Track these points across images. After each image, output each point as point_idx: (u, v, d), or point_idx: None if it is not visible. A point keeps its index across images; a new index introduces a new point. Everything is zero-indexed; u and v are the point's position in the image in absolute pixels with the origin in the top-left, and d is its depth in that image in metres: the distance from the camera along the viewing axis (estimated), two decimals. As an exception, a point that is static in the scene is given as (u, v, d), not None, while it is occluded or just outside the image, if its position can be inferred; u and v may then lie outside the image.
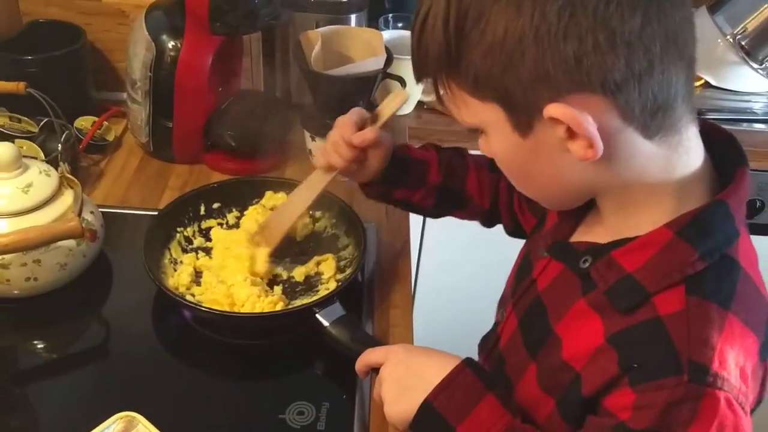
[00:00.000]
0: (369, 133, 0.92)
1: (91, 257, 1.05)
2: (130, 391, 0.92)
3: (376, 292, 1.08)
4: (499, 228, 1.04)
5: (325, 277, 1.07)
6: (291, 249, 1.11)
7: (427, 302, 1.18)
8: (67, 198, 1.03)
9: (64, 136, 1.17)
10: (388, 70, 1.19)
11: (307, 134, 1.25)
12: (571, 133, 0.62)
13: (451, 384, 0.73)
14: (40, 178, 1.01)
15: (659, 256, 0.65)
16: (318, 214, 1.15)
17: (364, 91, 1.19)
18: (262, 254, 1.05)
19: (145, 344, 1.01)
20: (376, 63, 1.16)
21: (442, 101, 0.71)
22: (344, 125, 0.93)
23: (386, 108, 0.95)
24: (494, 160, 0.74)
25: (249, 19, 1.18)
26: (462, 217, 1.04)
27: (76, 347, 1.02)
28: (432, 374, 0.74)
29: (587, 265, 0.70)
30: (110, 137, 1.34)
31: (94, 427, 0.82)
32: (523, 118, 0.64)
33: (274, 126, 1.30)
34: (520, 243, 0.94)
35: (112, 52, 1.44)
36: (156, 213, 1.11)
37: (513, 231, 1.03)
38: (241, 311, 0.98)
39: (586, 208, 0.76)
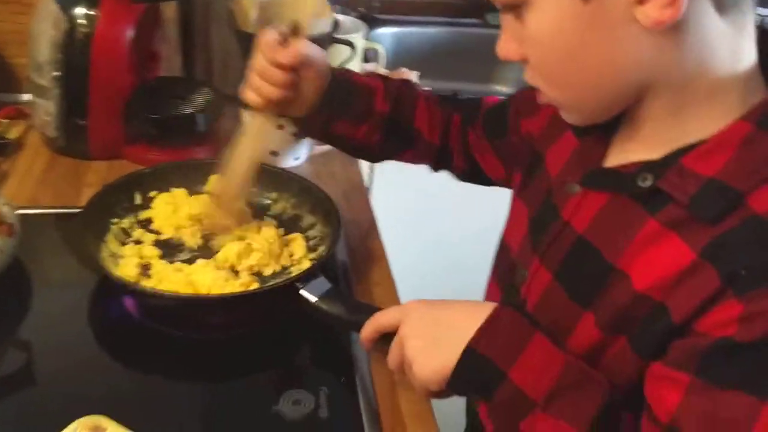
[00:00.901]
0: (297, 46, 0.79)
1: (9, 254, 0.87)
2: (83, 410, 0.73)
3: (353, 272, 0.96)
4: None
5: (296, 257, 0.93)
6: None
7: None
8: (-25, 185, 0.85)
9: (-41, 127, 0.99)
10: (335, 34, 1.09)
11: (246, 114, 1.12)
12: None
13: (494, 324, 0.63)
14: (-59, 160, 0.83)
15: (741, 153, 0.58)
16: (274, 195, 1.01)
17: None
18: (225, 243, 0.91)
19: (90, 354, 0.82)
20: (322, 26, 1.06)
21: None
22: (266, 47, 0.80)
23: (302, 14, 0.82)
24: (527, 59, 0.64)
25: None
26: (409, 159, 0.93)
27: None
28: (466, 321, 0.64)
29: (648, 183, 0.61)
30: (11, 136, 1.15)
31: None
32: None
33: (201, 110, 1.16)
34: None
35: (5, 45, 1.25)
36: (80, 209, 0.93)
37: (466, 174, 0.94)
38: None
39: (610, 130, 0.68)
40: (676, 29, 0.56)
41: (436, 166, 0.94)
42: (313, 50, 0.82)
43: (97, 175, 1.11)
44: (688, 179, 0.59)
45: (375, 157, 0.96)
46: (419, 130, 0.89)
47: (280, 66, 0.80)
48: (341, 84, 0.85)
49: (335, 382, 0.80)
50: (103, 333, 0.86)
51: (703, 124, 0.60)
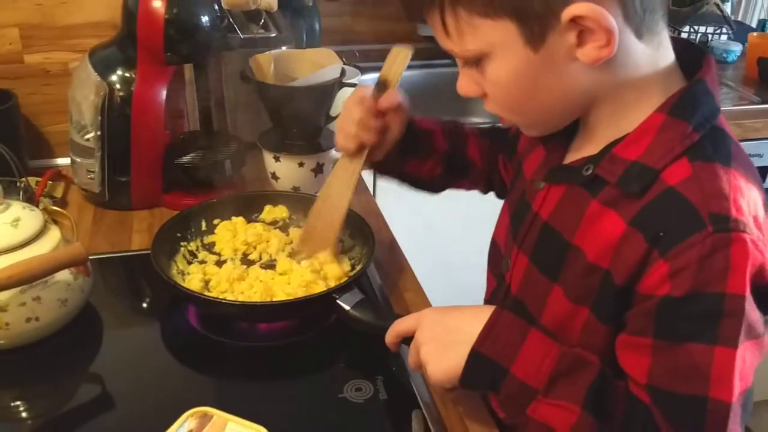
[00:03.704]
0: (393, 95, 0.93)
1: (87, 292, 0.98)
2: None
3: (385, 283, 1.09)
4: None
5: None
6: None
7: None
8: (55, 233, 0.97)
9: (22, 188, 1.11)
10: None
11: (268, 157, 1.26)
12: (582, 39, 0.67)
13: (494, 328, 0.75)
14: (25, 212, 0.95)
15: (658, 138, 0.70)
16: None
17: (324, 101, 1.23)
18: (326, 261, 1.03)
19: (166, 370, 0.94)
20: (333, 72, 1.20)
21: (446, 33, 0.71)
22: (362, 99, 0.93)
23: (393, 69, 0.95)
24: (486, 95, 0.76)
25: (203, 46, 1.19)
26: (466, 187, 1.08)
27: (85, 393, 0.92)
28: (470, 326, 0.75)
29: (590, 171, 0.74)
30: (58, 194, 1.27)
31: None
32: (537, 29, 0.67)
33: (227, 157, 1.30)
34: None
35: (38, 116, 1.38)
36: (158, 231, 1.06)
37: (502, 192, 1.08)
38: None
39: (569, 135, 0.82)
40: (609, 60, 0.68)
41: (487, 189, 1.09)
42: (403, 97, 0.95)
43: (142, 222, 1.23)
44: (617, 164, 0.72)
45: (437, 188, 1.09)
46: (472, 159, 1.04)
47: (377, 113, 0.93)
48: (409, 129, 0.99)
49: (388, 371, 0.92)
50: (174, 348, 0.97)
51: (633, 118, 0.72)
